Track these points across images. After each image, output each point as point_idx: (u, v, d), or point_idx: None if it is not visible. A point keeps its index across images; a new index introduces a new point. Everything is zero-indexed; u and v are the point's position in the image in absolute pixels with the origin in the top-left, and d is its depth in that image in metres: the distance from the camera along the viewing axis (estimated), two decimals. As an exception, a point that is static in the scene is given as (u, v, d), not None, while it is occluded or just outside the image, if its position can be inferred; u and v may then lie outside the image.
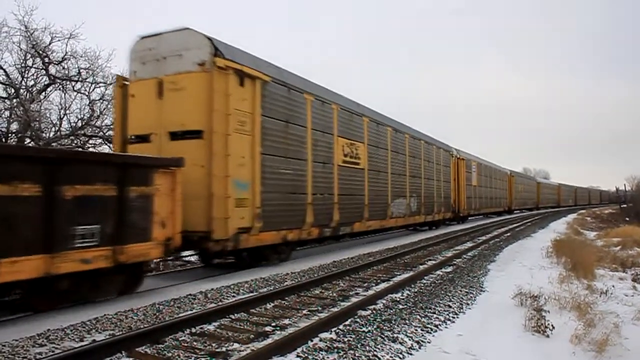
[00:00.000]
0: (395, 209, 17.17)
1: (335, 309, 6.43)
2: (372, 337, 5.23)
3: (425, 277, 9.28)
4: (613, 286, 9.17)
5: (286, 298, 7.17)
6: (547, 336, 5.67)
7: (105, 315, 6.00)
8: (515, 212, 47.19)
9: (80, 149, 17.69)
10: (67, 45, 19.15)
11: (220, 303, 6.74)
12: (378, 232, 17.56)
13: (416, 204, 19.73)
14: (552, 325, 5.78)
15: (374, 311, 6.47)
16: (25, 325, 5.63)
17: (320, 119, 12.51)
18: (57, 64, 19.35)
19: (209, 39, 9.02)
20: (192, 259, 11.83)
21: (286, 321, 5.89)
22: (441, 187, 23.74)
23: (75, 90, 20.07)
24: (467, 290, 8.07)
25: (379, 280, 8.82)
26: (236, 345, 4.94)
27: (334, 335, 5.31)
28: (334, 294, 7.54)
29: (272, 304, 6.81)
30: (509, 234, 20.76)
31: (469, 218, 31.33)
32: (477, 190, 31.92)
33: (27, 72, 19.26)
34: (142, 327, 5.46)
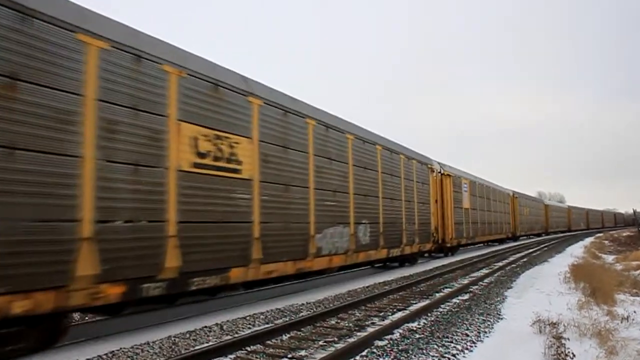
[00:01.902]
0: (325, 243, 11.23)
1: (351, 339, 6.39)
2: (390, 368, 5.16)
3: (442, 305, 9.21)
4: (635, 312, 8.97)
5: (302, 329, 7.14)
6: (568, 365, 5.56)
7: (121, 348, 6.01)
8: (521, 238, 43.01)
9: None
10: None
11: (235, 335, 6.73)
12: (296, 279, 11.71)
13: (369, 234, 13.66)
14: (572, 354, 5.67)
15: (391, 341, 6.42)
16: (41, 358, 5.65)
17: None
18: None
19: None
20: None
21: (302, 352, 5.87)
22: (414, 210, 17.66)
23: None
24: (484, 318, 7.97)
25: (395, 310, 8.76)
26: (253, 378, 4.91)
27: (351, 367, 5.26)
28: (350, 324, 7.49)
29: (288, 335, 6.78)
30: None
31: (460, 248, 25.99)
32: (471, 214, 26.27)
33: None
34: (158, 360, 5.46)
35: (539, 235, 51.45)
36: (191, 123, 7.62)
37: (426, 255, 20.92)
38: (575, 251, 26.36)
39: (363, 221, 13.37)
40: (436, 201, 20.96)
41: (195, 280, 7.47)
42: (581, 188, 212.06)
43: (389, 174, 15.66)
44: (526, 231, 44.04)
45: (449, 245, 22.29)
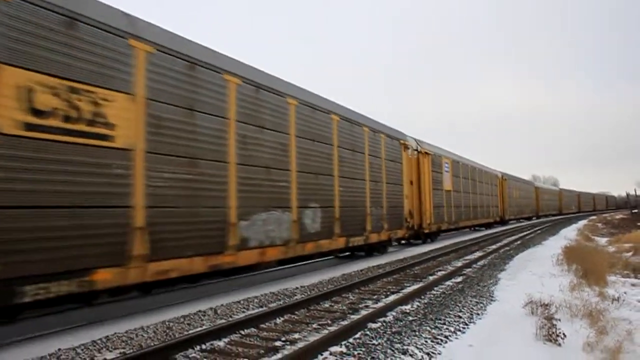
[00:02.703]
0: (254, 232, 9.02)
1: (345, 322, 6.43)
2: (382, 350, 5.22)
3: (435, 288, 9.28)
4: (625, 292, 9.10)
5: (296, 312, 7.18)
6: (559, 345, 5.63)
7: (115, 333, 6.03)
8: (511, 222, 41.67)
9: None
10: None
11: (230, 319, 6.76)
12: (209, 277, 8.58)
13: (321, 221, 11.51)
14: (563, 334, 5.74)
15: (384, 323, 6.46)
16: (36, 345, 5.66)
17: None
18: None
19: None
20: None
21: (296, 335, 5.90)
22: (382, 192, 15.38)
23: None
24: (477, 300, 8.03)
25: (388, 292, 8.81)
26: (246, 361, 4.94)
27: (344, 349, 5.30)
28: (344, 307, 7.54)
29: (282, 319, 6.81)
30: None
31: (442, 234, 24.03)
32: (453, 196, 24.15)
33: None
34: (152, 344, 5.48)
35: (529, 218, 50.16)
36: (21, 67, 5.49)
37: (403, 242, 19.68)
38: (569, 234, 26.56)
39: (311, 205, 11.11)
40: (411, 182, 18.85)
41: (28, 289, 5.39)
42: (576, 172, 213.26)
43: (349, 149, 13.38)
44: (515, 215, 42.34)
45: (426, 231, 20.13)
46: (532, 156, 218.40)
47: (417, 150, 19.78)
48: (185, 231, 7.49)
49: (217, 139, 8.32)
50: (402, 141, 17.75)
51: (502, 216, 36.96)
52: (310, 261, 13.11)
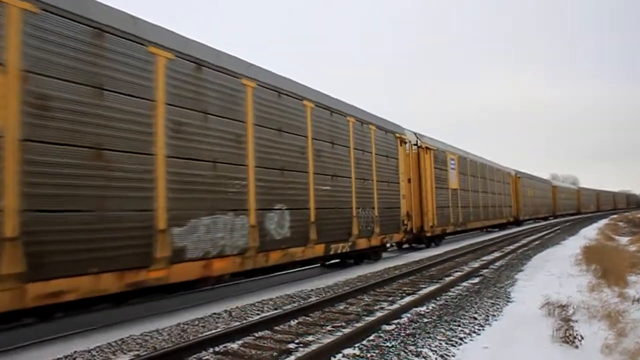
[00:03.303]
0: (194, 241, 7.38)
1: (359, 324, 6.40)
2: (396, 352, 5.19)
3: (452, 289, 9.21)
4: (646, 293, 8.92)
5: (310, 314, 7.18)
6: (576, 347, 5.53)
7: (130, 335, 6.09)
8: (527, 222, 39.67)
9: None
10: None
11: (244, 321, 6.78)
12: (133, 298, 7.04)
13: (290, 225, 9.70)
14: (580, 336, 5.64)
15: (399, 325, 6.43)
16: (52, 347, 5.76)
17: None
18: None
19: None
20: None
21: (310, 338, 5.90)
22: (372, 191, 13.52)
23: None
24: (493, 301, 7.95)
25: (404, 294, 8.77)
26: (259, 363, 4.94)
27: (357, 351, 5.29)
28: (359, 309, 7.52)
29: (296, 321, 6.81)
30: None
31: (448, 237, 22.47)
32: (460, 196, 22.12)
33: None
34: (166, 347, 5.52)
35: (545, 219, 48.01)
36: None
37: (405, 246, 18.10)
38: (589, 233, 26.16)
39: (277, 207, 9.38)
40: (409, 180, 17.00)
41: None
42: (595, 170, 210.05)
43: (329, 142, 11.49)
44: (531, 215, 39.85)
45: (429, 234, 18.26)
46: (550, 155, 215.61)
47: (417, 145, 18.13)
48: (86, 241, 5.81)
49: (137, 125, 6.65)
50: (398, 134, 15.65)
51: (517, 216, 35.27)
52: (280, 273, 11.23)
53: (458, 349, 5.41)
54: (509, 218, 32.71)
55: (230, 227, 8.14)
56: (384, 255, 15.70)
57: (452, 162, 21.63)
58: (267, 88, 9.45)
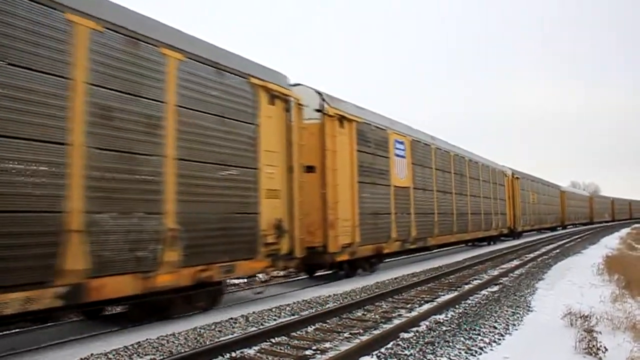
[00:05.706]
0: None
1: (377, 332, 6.34)
2: (414, 361, 5.10)
3: (471, 297, 9.09)
4: (672, 304, 8.71)
5: (328, 321, 7.12)
6: (600, 358, 5.41)
7: (147, 339, 6.09)
8: (525, 234, 32.73)
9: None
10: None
11: (261, 326, 6.75)
12: None
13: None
14: (604, 347, 5.52)
15: (417, 333, 6.34)
16: (69, 349, 5.79)
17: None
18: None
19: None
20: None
21: (327, 344, 5.85)
22: (160, 176, 6.68)
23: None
24: (513, 310, 7.82)
25: (422, 301, 8.67)
26: (276, 370, 4.91)
27: (375, 359, 5.23)
28: (377, 316, 7.45)
29: (314, 327, 6.76)
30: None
31: (390, 259, 15.62)
32: (414, 197, 15.07)
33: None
34: (182, 351, 5.51)
35: (552, 229, 40.55)
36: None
37: (293, 276, 12.66)
38: (610, 242, 25.72)
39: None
40: (291, 168, 9.39)
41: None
42: (618, 178, 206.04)
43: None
44: (532, 225, 33.04)
45: (338, 259, 11.25)
46: (571, 162, 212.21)
47: (321, 110, 11.23)
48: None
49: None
50: (260, 81, 8.66)
51: (512, 226, 27.85)
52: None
53: (477, 359, 5.31)
54: (502, 229, 25.77)
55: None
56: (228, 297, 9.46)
57: (400, 146, 14.58)
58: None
